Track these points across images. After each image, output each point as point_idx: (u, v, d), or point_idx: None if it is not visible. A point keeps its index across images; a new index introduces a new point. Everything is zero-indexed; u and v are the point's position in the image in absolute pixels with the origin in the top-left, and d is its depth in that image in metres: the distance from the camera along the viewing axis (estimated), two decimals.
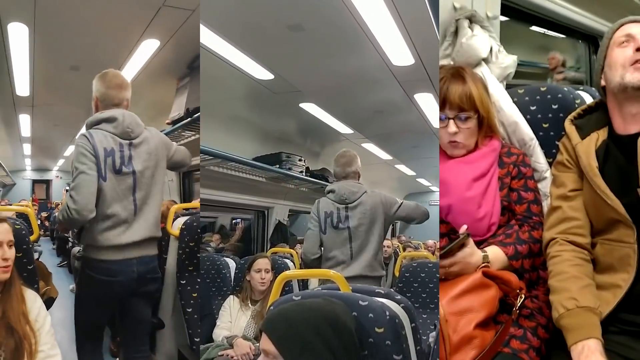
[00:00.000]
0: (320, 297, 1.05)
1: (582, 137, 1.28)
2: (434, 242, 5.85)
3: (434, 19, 2.44)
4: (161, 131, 3.84)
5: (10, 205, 5.39)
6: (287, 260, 2.86)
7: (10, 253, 1.51)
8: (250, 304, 2.37)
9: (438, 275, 2.46)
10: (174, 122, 3.65)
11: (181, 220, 2.33)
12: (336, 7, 2.42)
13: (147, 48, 3.30)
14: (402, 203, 2.52)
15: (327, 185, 5.29)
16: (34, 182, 11.58)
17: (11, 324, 1.45)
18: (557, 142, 1.41)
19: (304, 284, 3.05)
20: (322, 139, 5.23)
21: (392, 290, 1.32)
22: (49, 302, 2.70)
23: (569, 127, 1.32)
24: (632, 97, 1.22)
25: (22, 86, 4.32)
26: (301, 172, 4.72)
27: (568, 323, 1.15)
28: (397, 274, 3.24)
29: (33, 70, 3.84)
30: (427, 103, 3.99)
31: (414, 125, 4.67)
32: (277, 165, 4.37)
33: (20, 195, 9.56)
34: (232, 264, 3.07)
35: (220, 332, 2.29)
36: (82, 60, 3.61)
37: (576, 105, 1.47)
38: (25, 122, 5.78)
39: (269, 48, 2.97)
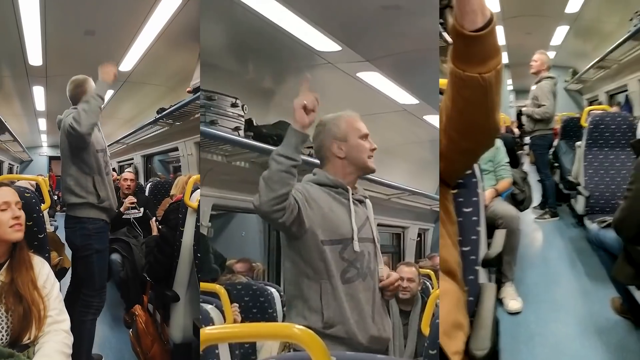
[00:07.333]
0: None
1: None
2: None
3: None
4: (181, 101, 3.58)
5: None
6: (208, 306, 1.72)
7: (20, 213, 1.52)
8: None
9: None
10: (195, 90, 3.39)
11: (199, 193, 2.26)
12: None
13: (167, 7, 3.03)
14: None
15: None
16: (51, 158, 11.42)
17: (20, 291, 1.45)
18: None
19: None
20: None
21: None
22: (62, 272, 2.72)
23: None
24: None
25: (35, 54, 3.99)
26: None
27: None
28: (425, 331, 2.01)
29: (45, 36, 3.60)
30: None
31: None
32: None
33: (37, 172, 9.43)
34: None
35: None
36: (97, 24, 3.41)
37: None
38: (39, 94, 5.55)
39: None
